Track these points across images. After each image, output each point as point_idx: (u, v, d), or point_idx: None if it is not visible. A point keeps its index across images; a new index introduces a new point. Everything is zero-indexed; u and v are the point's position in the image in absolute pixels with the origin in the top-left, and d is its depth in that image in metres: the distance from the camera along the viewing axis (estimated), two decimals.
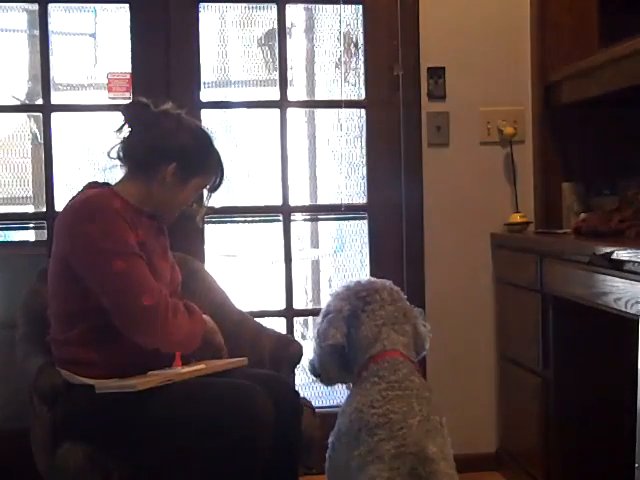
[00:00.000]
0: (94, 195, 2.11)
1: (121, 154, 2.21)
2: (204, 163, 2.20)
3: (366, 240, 3.31)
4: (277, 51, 3.21)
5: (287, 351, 2.47)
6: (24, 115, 3.47)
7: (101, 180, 2.29)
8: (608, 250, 2.20)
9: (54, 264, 2.13)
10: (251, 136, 3.64)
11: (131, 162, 2.20)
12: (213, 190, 2.29)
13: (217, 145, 2.28)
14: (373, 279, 1.97)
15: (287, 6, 3.21)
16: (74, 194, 2.20)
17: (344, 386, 1.98)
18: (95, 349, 2.08)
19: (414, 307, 1.98)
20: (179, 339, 2.08)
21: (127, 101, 2.98)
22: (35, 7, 3.13)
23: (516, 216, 3.16)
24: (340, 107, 3.26)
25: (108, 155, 2.22)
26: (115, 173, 2.26)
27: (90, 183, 2.23)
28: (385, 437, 1.65)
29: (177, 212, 2.27)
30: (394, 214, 3.22)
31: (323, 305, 1.99)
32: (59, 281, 2.12)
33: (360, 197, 3.36)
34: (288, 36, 3.26)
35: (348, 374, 1.92)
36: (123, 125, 2.22)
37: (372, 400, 1.73)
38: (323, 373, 1.95)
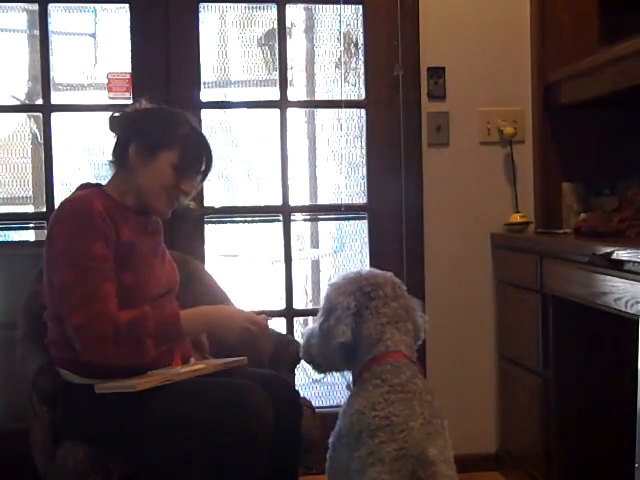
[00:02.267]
0: (74, 199, 2.11)
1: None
2: (167, 136, 2.14)
3: (366, 240, 3.31)
4: (277, 51, 3.21)
5: (287, 351, 2.47)
6: (24, 115, 3.47)
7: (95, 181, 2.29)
8: (608, 250, 2.20)
9: (45, 267, 2.14)
10: (251, 136, 3.64)
11: (113, 161, 2.22)
12: (203, 173, 2.22)
13: (188, 121, 2.20)
14: (374, 271, 1.93)
15: (287, 6, 3.21)
16: (67, 195, 2.21)
17: (344, 386, 1.97)
18: None
19: (413, 298, 1.95)
20: (112, 360, 2.00)
21: (127, 101, 3.00)
22: (35, 7, 3.13)
23: (516, 216, 3.16)
24: (340, 107, 3.26)
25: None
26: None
27: (82, 184, 2.23)
28: (386, 439, 1.65)
29: (163, 199, 2.17)
30: (394, 214, 3.22)
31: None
32: (51, 285, 2.11)
33: (360, 197, 3.36)
34: (288, 36, 3.26)
35: (348, 366, 1.91)
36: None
37: (374, 402, 1.72)
38: (328, 366, 1.94)
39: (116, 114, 2.25)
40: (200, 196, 3.09)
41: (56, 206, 2.18)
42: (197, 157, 2.19)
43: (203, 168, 2.22)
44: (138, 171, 2.15)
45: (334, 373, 2.02)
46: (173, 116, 2.20)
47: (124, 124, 2.20)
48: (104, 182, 2.26)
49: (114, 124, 2.22)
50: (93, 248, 2.01)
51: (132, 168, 2.15)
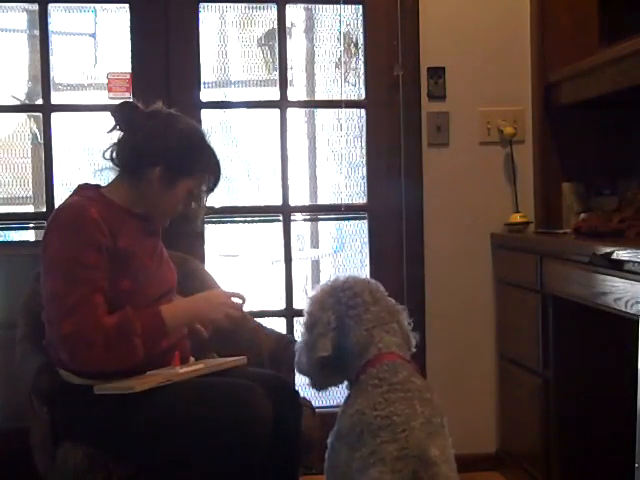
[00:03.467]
0: (70, 205, 2.10)
1: (113, 155, 2.21)
2: (191, 165, 2.16)
3: (366, 240, 3.31)
4: (277, 51, 3.21)
5: (287, 351, 2.46)
6: (24, 115, 3.47)
7: (94, 182, 2.28)
8: (608, 250, 2.20)
9: (41, 270, 2.13)
10: (251, 136, 3.64)
11: (121, 164, 2.20)
12: (209, 191, 2.26)
13: (210, 143, 2.23)
14: (351, 279, 1.92)
15: (287, 6, 3.21)
16: (66, 196, 2.20)
17: (344, 386, 1.97)
18: None
19: (396, 304, 1.95)
20: (99, 366, 2.01)
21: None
22: (35, 7, 3.14)
23: (516, 216, 3.16)
24: (340, 107, 3.26)
25: (103, 156, 2.22)
26: (109, 175, 2.25)
27: (81, 185, 2.22)
28: (388, 439, 1.65)
29: (170, 215, 2.23)
30: (394, 214, 3.22)
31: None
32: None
33: (360, 197, 3.36)
34: (288, 36, 3.26)
35: (339, 379, 1.93)
36: (113, 127, 2.21)
37: (375, 403, 1.72)
38: (313, 380, 1.96)
39: (132, 107, 2.20)
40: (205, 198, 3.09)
41: (56, 206, 2.18)
42: (216, 183, 2.25)
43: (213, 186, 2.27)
44: (155, 191, 2.14)
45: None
46: (200, 141, 2.20)
47: (148, 137, 2.15)
48: (101, 183, 2.25)
49: (128, 120, 2.17)
50: (85, 257, 2.00)
51: (150, 186, 2.14)
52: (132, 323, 2.00)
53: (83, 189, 2.20)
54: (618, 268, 2.17)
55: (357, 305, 1.86)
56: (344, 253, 3.86)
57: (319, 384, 1.97)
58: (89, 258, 2.01)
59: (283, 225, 3.23)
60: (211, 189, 2.26)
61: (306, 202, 3.71)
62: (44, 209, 3.13)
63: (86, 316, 1.97)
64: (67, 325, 1.96)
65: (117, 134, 2.22)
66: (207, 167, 2.21)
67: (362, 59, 3.28)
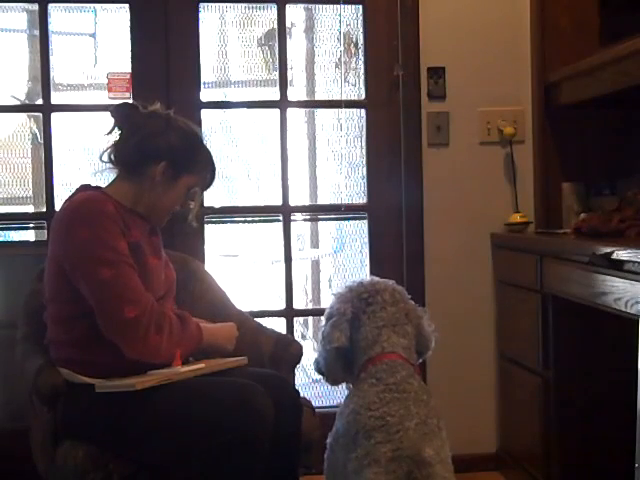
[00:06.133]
0: (87, 199, 2.11)
1: (112, 157, 2.22)
2: (193, 161, 2.22)
3: (366, 240, 3.31)
4: (277, 51, 3.21)
5: (287, 351, 2.47)
6: (24, 115, 3.47)
7: (94, 183, 2.28)
8: (608, 250, 2.20)
9: (50, 267, 2.14)
10: (251, 136, 3.64)
11: (122, 164, 2.21)
12: (205, 188, 2.32)
13: (207, 143, 2.31)
14: (376, 279, 1.97)
15: (287, 6, 3.21)
16: (67, 197, 2.21)
17: (344, 386, 1.97)
18: (95, 349, 2.08)
19: (418, 307, 1.97)
20: (162, 352, 2.05)
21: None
22: (35, 7, 3.13)
23: (516, 216, 3.16)
24: (340, 107, 3.26)
25: (100, 159, 2.24)
26: (107, 176, 2.27)
27: (82, 186, 2.23)
28: (382, 440, 1.65)
29: (169, 213, 2.27)
30: (394, 214, 3.22)
31: (324, 305, 1.99)
32: (56, 284, 2.11)
33: (360, 197, 3.36)
34: (288, 36, 3.26)
35: (352, 375, 1.92)
36: (113, 127, 2.24)
37: (369, 402, 1.72)
38: (329, 374, 1.95)
39: (132, 108, 2.23)
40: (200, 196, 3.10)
41: (57, 206, 2.18)
42: (212, 181, 2.31)
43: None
44: (158, 188, 2.18)
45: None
46: (200, 140, 2.27)
47: (150, 135, 2.18)
48: (100, 184, 2.25)
49: (129, 120, 2.20)
50: (118, 245, 2.05)
51: (152, 183, 2.17)
52: (186, 318, 2.15)
53: (84, 190, 2.20)
54: (618, 268, 2.17)
55: (375, 302, 1.89)
56: (344, 253, 3.87)
57: (333, 378, 1.96)
58: (122, 246, 2.05)
59: (283, 225, 3.23)
60: (206, 187, 2.32)
61: (306, 202, 3.71)
62: (44, 209, 3.12)
63: (149, 301, 2.03)
64: (131, 310, 1.99)
65: (115, 136, 2.24)
66: (205, 166, 2.27)
67: (362, 59, 3.28)
